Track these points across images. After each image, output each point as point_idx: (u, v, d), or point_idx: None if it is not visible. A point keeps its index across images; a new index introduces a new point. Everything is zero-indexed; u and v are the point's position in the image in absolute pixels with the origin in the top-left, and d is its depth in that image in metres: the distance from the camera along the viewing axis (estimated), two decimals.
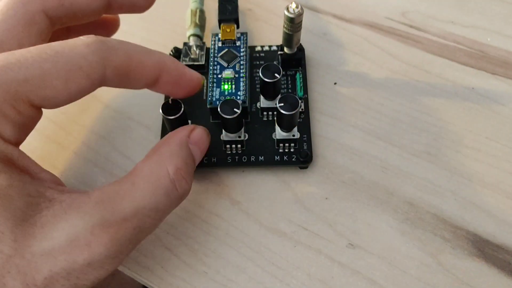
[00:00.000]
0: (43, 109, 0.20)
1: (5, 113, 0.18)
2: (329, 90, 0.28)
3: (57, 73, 0.18)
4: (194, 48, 0.28)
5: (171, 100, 0.24)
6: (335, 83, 0.29)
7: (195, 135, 0.22)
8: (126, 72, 0.20)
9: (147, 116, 0.28)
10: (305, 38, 0.30)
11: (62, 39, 0.25)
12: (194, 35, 0.29)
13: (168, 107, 0.23)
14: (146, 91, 0.28)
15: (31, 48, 0.19)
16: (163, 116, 0.23)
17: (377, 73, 0.29)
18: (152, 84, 0.21)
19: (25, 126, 0.19)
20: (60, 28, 0.23)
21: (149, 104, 0.28)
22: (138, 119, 0.28)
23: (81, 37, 0.19)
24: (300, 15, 0.25)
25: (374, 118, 0.27)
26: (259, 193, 0.25)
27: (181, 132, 0.22)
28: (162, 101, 0.28)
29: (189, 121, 0.26)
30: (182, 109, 0.23)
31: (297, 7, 0.24)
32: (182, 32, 0.30)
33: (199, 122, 0.26)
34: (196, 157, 0.22)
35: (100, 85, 0.20)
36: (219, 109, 0.23)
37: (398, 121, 0.27)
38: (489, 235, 0.24)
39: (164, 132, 0.26)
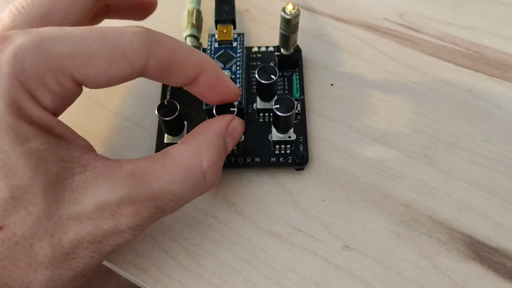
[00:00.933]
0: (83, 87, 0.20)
1: (47, 83, 0.18)
2: (326, 91, 0.28)
3: (102, 55, 0.18)
4: None
5: (167, 101, 0.24)
6: (331, 84, 0.29)
7: (232, 127, 0.22)
8: (168, 66, 0.20)
9: (143, 117, 0.28)
10: (302, 39, 0.30)
11: (101, 18, 0.26)
12: (191, 35, 0.29)
13: (164, 108, 0.23)
14: (142, 91, 0.29)
15: (81, 27, 0.19)
16: (158, 117, 0.23)
17: (374, 75, 0.29)
18: (190, 83, 0.21)
19: (64, 99, 0.19)
20: (100, 5, 0.24)
21: (145, 105, 0.28)
22: (134, 120, 0.28)
23: (130, 25, 0.20)
24: (296, 16, 0.24)
25: (370, 120, 0.27)
26: (255, 195, 0.25)
27: (220, 122, 0.22)
28: (158, 102, 0.28)
29: (185, 122, 0.26)
30: (178, 110, 0.23)
31: (293, 8, 0.24)
32: (179, 33, 0.30)
33: (195, 123, 0.26)
34: (229, 148, 0.22)
35: (140, 74, 0.20)
36: (214, 111, 0.23)
37: (394, 122, 0.27)
38: (484, 237, 0.24)
39: (160, 133, 0.26)
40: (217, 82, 0.22)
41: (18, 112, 0.17)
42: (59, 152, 0.18)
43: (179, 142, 0.21)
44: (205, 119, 0.26)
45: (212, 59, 0.22)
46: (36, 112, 0.18)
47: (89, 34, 0.18)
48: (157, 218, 0.20)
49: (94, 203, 0.18)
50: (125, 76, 0.19)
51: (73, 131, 0.20)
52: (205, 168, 0.20)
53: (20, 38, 0.18)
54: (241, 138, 0.25)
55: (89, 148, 0.20)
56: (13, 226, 0.17)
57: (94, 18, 0.25)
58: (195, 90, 0.22)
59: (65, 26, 0.20)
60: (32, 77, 0.18)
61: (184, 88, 0.22)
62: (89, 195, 0.18)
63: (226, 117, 0.23)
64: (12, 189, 0.17)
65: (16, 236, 0.17)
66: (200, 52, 0.21)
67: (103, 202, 0.18)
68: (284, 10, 0.24)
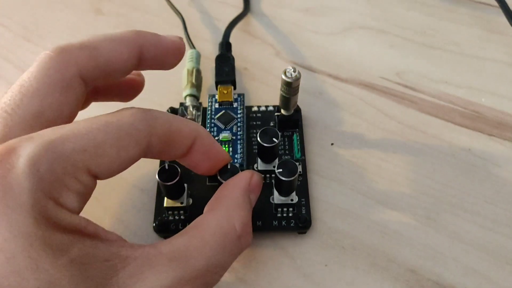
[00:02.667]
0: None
1: (68, 184, 0.17)
2: (327, 151, 0.28)
3: (110, 142, 0.18)
4: (191, 109, 0.28)
5: (168, 165, 0.23)
6: (332, 144, 0.29)
7: (254, 183, 0.22)
8: (168, 139, 0.20)
9: (142, 178, 0.27)
10: (300, 97, 0.30)
11: (89, 102, 0.25)
12: (190, 95, 0.29)
13: (165, 173, 0.23)
14: None
15: (79, 121, 0.18)
16: (159, 182, 0.23)
17: (374, 134, 0.29)
18: (186, 153, 0.21)
19: (85, 195, 0.18)
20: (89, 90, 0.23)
21: (143, 166, 0.27)
22: (133, 181, 0.27)
23: (124, 108, 0.19)
24: (297, 79, 0.25)
25: (372, 181, 0.27)
26: (257, 260, 0.24)
27: (243, 180, 0.22)
28: (157, 162, 0.27)
29: (185, 185, 0.25)
30: (179, 175, 0.23)
31: (294, 71, 0.25)
32: (178, 91, 0.30)
33: (195, 184, 0.26)
34: (252, 205, 0.22)
35: (145, 154, 0.19)
36: (218, 175, 0.23)
37: (396, 183, 0.27)
38: None
39: (159, 196, 0.26)
40: (210, 148, 0.22)
41: (48, 223, 0.16)
42: (99, 253, 0.17)
43: (206, 208, 0.21)
44: (206, 181, 0.26)
45: (203, 127, 0.22)
46: (66, 218, 0.17)
47: (91, 125, 0.18)
48: None
49: None
50: (133, 157, 0.19)
51: (101, 227, 0.19)
52: (239, 231, 0.20)
53: (28, 147, 0.17)
54: None
55: (122, 240, 0.19)
56: None
57: (84, 103, 0.24)
58: (190, 160, 0.22)
59: (59, 121, 0.20)
60: (52, 183, 0.17)
61: (178, 161, 0.22)
62: None
63: (247, 174, 0.22)
64: None
65: None
66: (191, 121, 0.21)
67: None
68: (285, 73, 0.25)
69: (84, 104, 0.24)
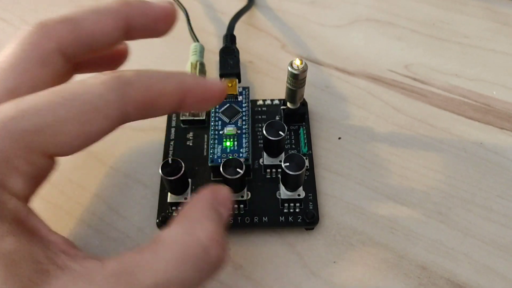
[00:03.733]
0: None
1: (16, 166, 0.16)
2: (334, 145, 0.28)
3: (72, 118, 0.17)
4: None
5: (171, 159, 0.23)
6: (339, 138, 0.28)
7: (221, 195, 0.20)
8: (148, 104, 0.18)
9: (145, 174, 0.27)
10: (307, 91, 0.29)
11: (71, 75, 0.23)
12: None
13: (168, 167, 0.22)
14: (143, 147, 0.28)
15: (44, 92, 0.17)
16: (162, 176, 0.22)
17: (382, 127, 0.28)
18: (178, 107, 0.20)
19: (37, 178, 0.18)
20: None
21: (147, 161, 0.27)
22: (136, 177, 0.27)
23: (96, 75, 0.18)
24: (304, 71, 0.24)
25: (381, 175, 0.26)
26: (263, 257, 0.24)
27: (208, 194, 0.20)
28: (161, 157, 0.27)
29: (189, 180, 0.25)
30: (183, 169, 0.22)
31: (301, 63, 0.24)
32: None
33: (199, 180, 0.25)
34: (225, 219, 0.20)
35: (123, 122, 0.18)
36: (221, 170, 0.22)
37: (405, 178, 0.26)
38: None
39: (163, 191, 0.25)
40: (204, 94, 0.20)
41: None
42: (33, 253, 0.16)
43: (170, 224, 0.19)
44: (210, 176, 0.25)
45: (191, 75, 0.20)
46: (6, 203, 0.16)
47: (53, 99, 0.17)
48: None
49: None
50: (103, 130, 0.18)
51: (46, 225, 0.18)
52: (206, 243, 0.18)
53: None
54: (248, 195, 0.24)
55: (66, 244, 0.18)
56: None
57: (64, 77, 0.23)
58: (186, 109, 0.20)
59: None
60: None
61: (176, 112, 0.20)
62: None
63: (212, 188, 0.20)
64: None
65: None
66: (176, 74, 0.20)
67: None
68: (291, 65, 0.24)
69: (65, 77, 0.23)
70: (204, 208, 0.19)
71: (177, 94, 0.19)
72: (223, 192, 0.20)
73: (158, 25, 0.22)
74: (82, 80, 0.18)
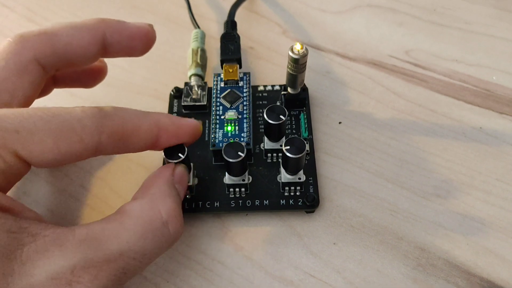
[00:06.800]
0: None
1: None
2: (334, 130, 0.28)
3: (49, 132, 0.18)
4: (196, 88, 0.28)
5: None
6: (340, 123, 0.28)
7: (177, 174, 0.22)
8: (122, 137, 0.20)
9: (147, 158, 0.27)
10: (308, 77, 0.30)
11: (50, 89, 0.25)
12: (195, 75, 0.28)
13: (171, 151, 0.23)
14: None
15: (29, 108, 0.19)
16: (165, 160, 0.23)
17: (382, 113, 0.28)
18: (152, 145, 0.21)
19: (8, 176, 0.19)
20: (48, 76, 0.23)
21: None
22: (138, 161, 0.27)
23: (78, 106, 0.19)
24: (304, 56, 0.24)
25: (381, 159, 0.26)
26: (264, 238, 0.24)
27: (166, 172, 0.22)
28: None
29: (191, 164, 0.25)
30: (186, 152, 0.22)
31: (301, 48, 0.24)
32: (183, 71, 0.30)
33: (201, 164, 0.26)
34: (181, 195, 0.22)
35: (95, 152, 0.19)
36: (223, 153, 0.22)
37: (405, 162, 0.26)
38: (503, 281, 0.23)
39: None
40: (178, 131, 0.22)
41: None
42: (6, 224, 0.17)
43: (132, 198, 0.21)
44: (212, 160, 0.26)
45: (166, 114, 0.22)
46: None
47: (36, 112, 0.18)
48: (122, 283, 0.19)
49: (47, 273, 0.17)
50: (76, 154, 0.19)
51: (20, 203, 0.19)
52: (165, 218, 0.20)
53: None
54: (249, 179, 0.25)
55: (39, 219, 0.19)
56: None
57: (43, 90, 0.24)
58: (160, 147, 0.22)
59: (14, 103, 0.20)
60: None
61: (152, 150, 0.22)
62: (41, 265, 0.17)
63: (169, 166, 0.22)
64: None
65: None
66: (153, 113, 0.21)
67: (55, 271, 0.17)
68: (292, 49, 0.24)
69: (45, 91, 0.25)
70: (165, 184, 0.21)
71: (151, 131, 0.21)
72: (180, 170, 0.22)
73: (134, 43, 0.23)
74: (66, 107, 0.19)
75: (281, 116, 0.24)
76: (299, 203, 0.24)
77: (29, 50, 0.21)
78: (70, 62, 0.22)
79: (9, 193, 0.19)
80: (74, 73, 0.25)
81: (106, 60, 0.27)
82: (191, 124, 0.22)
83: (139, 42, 0.24)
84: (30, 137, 0.18)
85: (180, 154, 0.22)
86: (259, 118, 0.27)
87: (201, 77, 0.29)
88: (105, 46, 0.23)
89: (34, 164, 0.19)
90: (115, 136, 0.19)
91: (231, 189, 0.24)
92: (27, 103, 0.21)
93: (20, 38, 0.21)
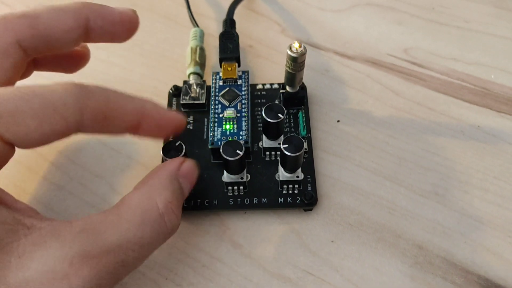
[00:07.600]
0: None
1: None
2: (333, 128, 0.28)
3: (32, 112, 0.18)
4: (195, 87, 0.28)
5: (172, 141, 0.23)
6: (338, 121, 0.28)
7: (184, 168, 0.22)
8: (104, 116, 0.19)
9: (146, 155, 0.27)
10: (306, 75, 0.30)
11: (30, 72, 0.25)
12: (194, 73, 0.28)
13: (169, 149, 0.23)
14: None
15: (8, 87, 0.18)
16: (163, 158, 0.23)
17: (381, 111, 0.29)
18: (133, 130, 0.21)
19: None
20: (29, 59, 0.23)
21: (148, 142, 0.27)
22: (137, 158, 0.27)
23: (62, 82, 0.19)
24: (303, 54, 0.24)
25: (379, 157, 0.27)
26: (262, 236, 0.24)
27: (171, 165, 0.22)
28: (162, 140, 0.27)
29: None
30: (184, 151, 0.23)
31: (300, 46, 0.24)
32: (182, 69, 0.30)
33: (199, 162, 0.26)
34: (185, 190, 0.22)
35: (77, 129, 0.19)
36: (221, 151, 0.22)
37: (404, 160, 0.26)
38: (500, 279, 0.23)
39: None
40: (161, 120, 0.21)
41: None
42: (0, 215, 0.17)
43: (133, 188, 0.21)
44: (210, 158, 0.26)
45: (151, 102, 0.21)
46: None
47: (16, 93, 0.18)
48: (120, 275, 0.19)
49: (43, 267, 0.17)
50: (59, 132, 0.18)
51: (11, 195, 0.19)
52: (162, 209, 0.20)
53: None
54: (248, 177, 0.25)
55: (32, 211, 0.19)
56: None
57: (23, 73, 0.24)
58: (141, 134, 0.21)
59: None
60: None
61: (132, 135, 0.21)
62: (37, 258, 0.17)
63: (177, 160, 0.22)
64: None
65: None
66: (138, 98, 0.21)
67: (52, 264, 0.17)
68: (290, 48, 0.24)
69: (25, 73, 0.24)
70: (165, 177, 0.21)
71: (134, 115, 0.20)
72: (188, 164, 0.22)
73: (116, 29, 0.23)
74: (48, 84, 0.19)
75: (280, 115, 0.24)
76: (297, 201, 0.24)
77: (10, 32, 0.21)
78: (52, 45, 0.22)
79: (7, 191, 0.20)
80: (55, 57, 0.25)
81: (106, 57, 0.27)
82: (176, 116, 0.22)
83: (122, 27, 0.23)
84: (13, 120, 0.17)
85: (178, 152, 0.22)
86: (257, 117, 0.28)
87: (200, 75, 0.29)
88: (88, 30, 0.22)
89: (18, 146, 0.18)
90: (97, 115, 0.19)
91: (230, 187, 0.24)
92: (8, 85, 0.21)
93: (2, 20, 0.21)
